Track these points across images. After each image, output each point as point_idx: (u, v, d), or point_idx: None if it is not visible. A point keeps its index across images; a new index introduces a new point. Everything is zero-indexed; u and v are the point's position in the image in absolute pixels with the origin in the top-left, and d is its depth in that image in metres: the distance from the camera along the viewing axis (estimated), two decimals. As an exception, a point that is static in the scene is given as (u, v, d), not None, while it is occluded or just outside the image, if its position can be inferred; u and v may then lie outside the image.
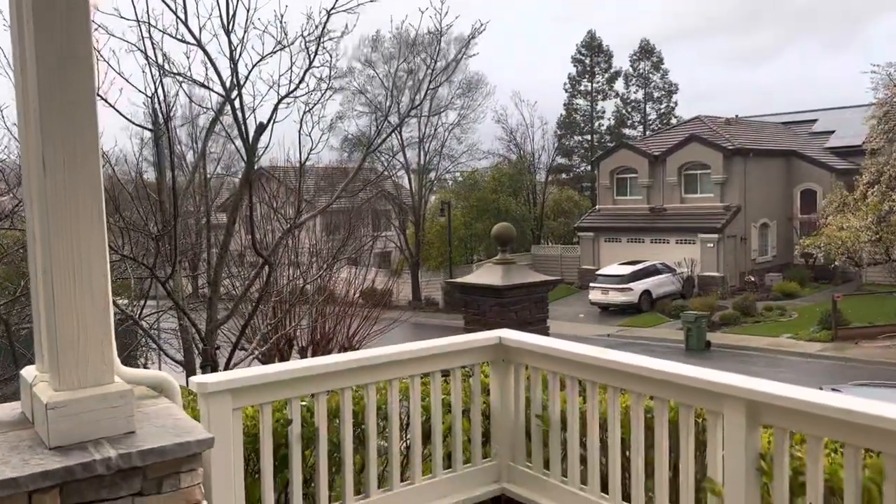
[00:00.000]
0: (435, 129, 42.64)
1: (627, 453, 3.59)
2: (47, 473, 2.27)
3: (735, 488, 2.98)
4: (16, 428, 2.67)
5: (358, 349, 11.52)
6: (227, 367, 7.57)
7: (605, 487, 3.69)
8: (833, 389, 10.35)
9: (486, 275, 9.41)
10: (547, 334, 9.24)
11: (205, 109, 7.19)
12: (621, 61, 58.12)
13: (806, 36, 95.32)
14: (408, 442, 3.98)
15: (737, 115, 42.12)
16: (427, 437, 4.02)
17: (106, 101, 6.52)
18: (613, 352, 3.66)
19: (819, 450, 2.75)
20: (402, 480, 3.89)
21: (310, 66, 6.99)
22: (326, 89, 7.49)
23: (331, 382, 3.61)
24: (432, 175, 45.41)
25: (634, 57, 57.58)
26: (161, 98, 6.98)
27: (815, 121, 43.79)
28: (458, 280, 10.32)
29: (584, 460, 3.80)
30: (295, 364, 3.64)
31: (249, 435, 3.51)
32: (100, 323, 2.56)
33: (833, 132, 41.33)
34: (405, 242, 41.56)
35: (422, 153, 43.16)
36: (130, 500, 2.43)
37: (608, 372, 3.58)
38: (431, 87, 9.14)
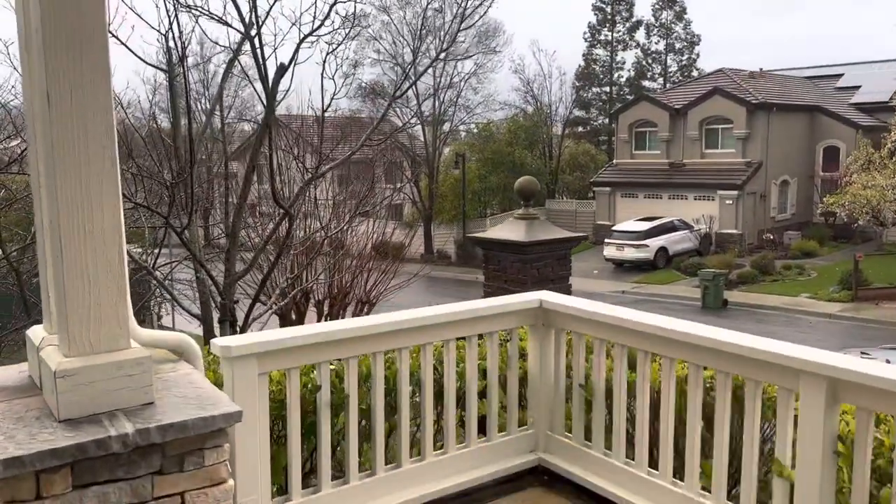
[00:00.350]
0: (450, 79, 41.74)
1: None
2: (56, 451, 2.02)
3: (808, 472, 2.72)
4: (22, 395, 2.42)
5: (375, 304, 11.32)
6: (245, 322, 7.36)
7: (653, 464, 3.44)
8: (862, 353, 10.06)
9: (508, 230, 9.13)
10: (569, 292, 8.99)
11: (222, 48, 6.79)
12: (643, 10, 56.56)
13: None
14: (440, 409, 3.74)
15: (761, 69, 40.93)
16: (461, 404, 3.78)
17: (116, 37, 6.12)
18: (670, 319, 3.37)
19: (912, 436, 2.47)
20: (434, 449, 3.67)
21: (336, 1, 6.54)
22: (352, 26, 7.01)
23: (362, 346, 3.35)
24: (446, 126, 44.65)
25: (657, 6, 55.87)
26: (176, 35, 6.57)
27: (840, 75, 42.50)
28: (480, 235, 10.04)
29: (630, 434, 3.55)
30: (325, 326, 3.38)
31: (275, 401, 3.27)
32: (114, 280, 2.29)
33: (859, 87, 40.13)
34: (418, 195, 41.14)
35: (436, 103, 42.36)
36: (149, 480, 2.19)
37: (663, 340, 3.29)
38: (462, 27, 8.65)
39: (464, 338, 3.73)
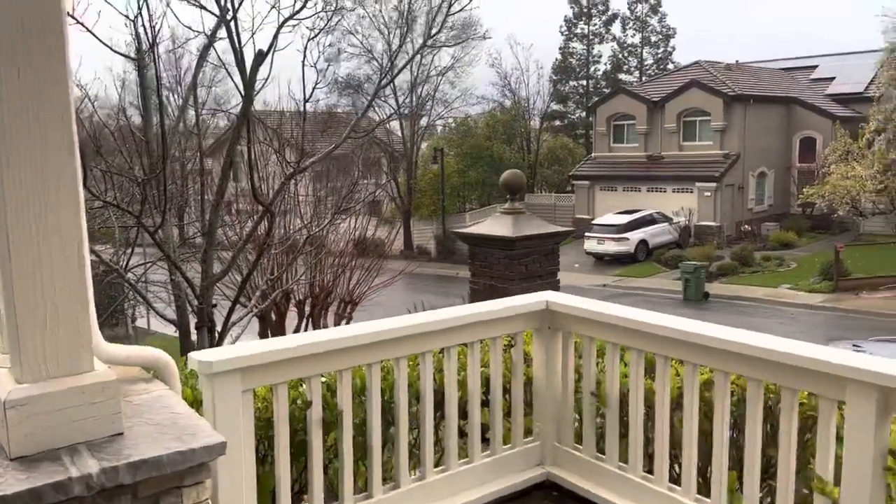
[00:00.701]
0: (428, 73, 41.34)
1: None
2: (6, 499, 1.69)
3: (855, 490, 2.47)
4: (-31, 426, 2.08)
5: (358, 303, 11.00)
6: (225, 327, 6.99)
7: (674, 479, 3.19)
8: (854, 346, 9.95)
9: (494, 225, 8.90)
10: (557, 288, 8.76)
11: (196, 33, 6.39)
12: (619, 3, 56.63)
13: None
14: (441, 422, 3.45)
15: (737, 61, 41.10)
16: (463, 416, 3.49)
17: (81, 23, 5.72)
18: (692, 321, 3.11)
19: (978, 451, 2.22)
20: (435, 466, 3.38)
21: (319, -18, 6.16)
22: (335, 10, 6.63)
23: (357, 357, 3.04)
24: (424, 121, 44.28)
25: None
26: (146, 20, 6.15)
27: (815, 67, 42.80)
28: (465, 230, 9.80)
29: (647, 446, 3.29)
30: (316, 336, 3.06)
31: (261, 419, 2.96)
32: (74, 285, 1.95)
33: (834, 79, 40.45)
34: (397, 191, 40.76)
35: (413, 98, 41.95)
36: (118, 526, 1.87)
37: (685, 345, 3.03)
38: (451, 13, 8.34)
39: (465, 344, 3.44)
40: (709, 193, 34.30)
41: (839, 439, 2.57)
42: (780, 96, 37.55)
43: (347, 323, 11.27)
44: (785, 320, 21.26)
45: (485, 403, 3.55)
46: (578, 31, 55.70)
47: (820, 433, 2.62)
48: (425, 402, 3.30)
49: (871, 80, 33.93)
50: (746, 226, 34.14)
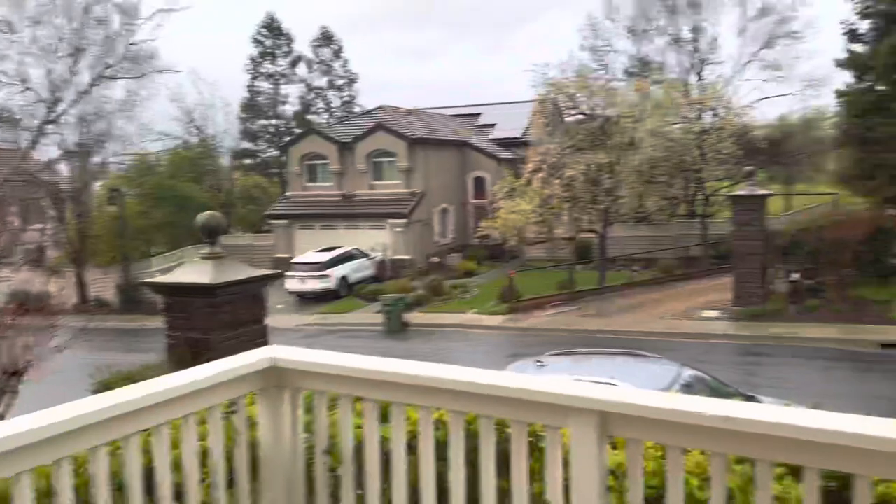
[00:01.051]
0: (100, 107, 37.53)
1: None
2: None
3: (585, 512, 2.61)
4: None
5: (24, 373, 9.27)
6: None
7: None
8: (537, 361, 11.11)
9: (193, 272, 8.24)
10: (265, 334, 8.39)
11: None
12: (303, 46, 57.86)
13: (466, 37, 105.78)
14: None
15: (416, 108, 44.52)
16: (179, 498, 3.02)
17: None
18: (423, 364, 3.07)
19: (679, 462, 2.49)
20: (147, 570, 2.85)
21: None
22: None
23: (36, 455, 2.43)
24: (96, 158, 40.01)
25: (315, 43, 57.63)
26: None
27: (479, 114, 48.30)
28: (159, 280, 8.90)
29: (385, 497, 3.17)
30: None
31: None
32: None
33: (495, 125, 46.06)
34: (65, 236, 36.06)
35: (82, 133, 37.69)
36: None
37: (417, 389, 2.98)
38: (131, 44, 7.49)
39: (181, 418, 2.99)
40: (400, 229, 36.41)
41: (567, 465, 2.70)
42: (453, 140, 41.58)
43: (12, 398, 9.45)
44: (475, 342, 23.22)
45: (205, 482, 3.12)
46: (264, 69, 55.58)
47: (548, 461, 2.74)
48: (131, 493, 2.78)
49: (527, 127, 39.32)
50: (435, 258, 36.86)
